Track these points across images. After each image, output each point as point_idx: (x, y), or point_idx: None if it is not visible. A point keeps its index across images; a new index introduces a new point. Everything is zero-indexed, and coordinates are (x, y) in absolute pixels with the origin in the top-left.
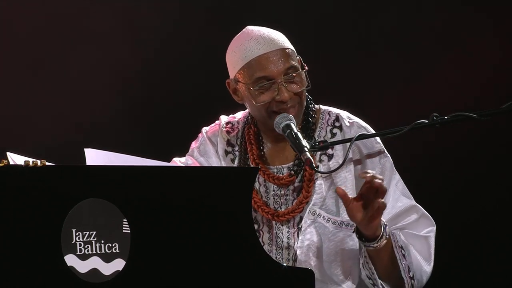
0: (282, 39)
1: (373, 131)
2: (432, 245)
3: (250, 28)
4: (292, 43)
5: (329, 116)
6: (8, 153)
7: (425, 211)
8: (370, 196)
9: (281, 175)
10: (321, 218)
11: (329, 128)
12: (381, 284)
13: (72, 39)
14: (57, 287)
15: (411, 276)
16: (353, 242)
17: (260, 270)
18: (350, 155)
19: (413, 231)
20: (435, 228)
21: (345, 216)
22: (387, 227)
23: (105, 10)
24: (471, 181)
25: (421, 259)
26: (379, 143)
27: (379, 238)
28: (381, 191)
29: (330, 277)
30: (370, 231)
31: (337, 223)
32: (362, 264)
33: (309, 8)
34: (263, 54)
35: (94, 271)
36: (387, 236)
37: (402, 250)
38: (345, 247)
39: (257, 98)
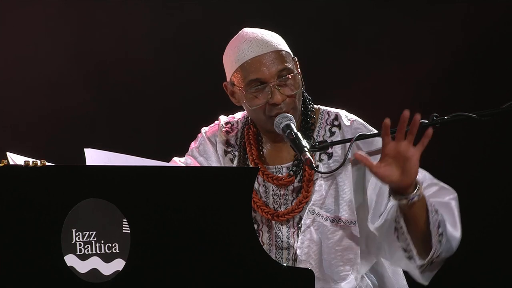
0: (276, 41)
1: (372, 129)
2: (456, 211)
3: (245, 30)
4: (291, 43)
5: (328, 115)
6: (8, 153)
7: (443, 183)
8: (400, 148)
9: (280, 175)
10: (320, 217)
11: (328, 127)
12: (417, 255)
13: (72, 38)
14: (57, 287)
15: (440, 232)
16: (353, 240)
17: (260, 270)
18: (350, 156)
19: (436, 198)
20: (456, 195)
21: (344, 214)
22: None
23: (108, 6)
24: (471, 181)
25: (448, 225)
26: (379, 141)
27: (418, 185)
28: (414, 126)
29: (330, 276)
30: (409, 179)
31: (335, 221)
32: (398, 236)
33: (308, 8)
34: (256, 57)
35: (94, 271)
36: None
37: (435, 207)
38: (345, 245)
39: (252, 101)
